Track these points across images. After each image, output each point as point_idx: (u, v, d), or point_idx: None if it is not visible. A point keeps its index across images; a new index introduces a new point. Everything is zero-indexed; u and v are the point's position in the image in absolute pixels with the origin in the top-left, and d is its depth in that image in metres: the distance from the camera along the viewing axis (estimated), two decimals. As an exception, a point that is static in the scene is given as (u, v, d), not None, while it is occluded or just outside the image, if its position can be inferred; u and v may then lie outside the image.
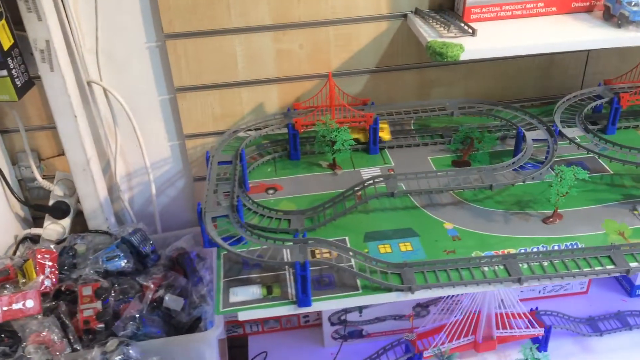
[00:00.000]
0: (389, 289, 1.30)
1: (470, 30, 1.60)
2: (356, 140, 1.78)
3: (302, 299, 1.26)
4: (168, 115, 1.98)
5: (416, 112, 1.84)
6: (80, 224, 2.00)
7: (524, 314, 1.94)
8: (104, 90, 1.84)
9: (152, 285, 1.68)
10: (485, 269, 1.35)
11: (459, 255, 1.40)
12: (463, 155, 1.77)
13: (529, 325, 1.93)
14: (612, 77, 1.95)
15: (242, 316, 1.27)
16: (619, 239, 1.42)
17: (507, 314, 1.94)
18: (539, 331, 1.94)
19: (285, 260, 1.35)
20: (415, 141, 1.87)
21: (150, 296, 1.66)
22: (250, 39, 1.85)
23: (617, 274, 1.33)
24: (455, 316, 1.88)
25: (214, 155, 1.66)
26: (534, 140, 1.65)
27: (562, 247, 1.40)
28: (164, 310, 1.66)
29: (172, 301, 1.66)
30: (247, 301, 1.30)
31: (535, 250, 1.40)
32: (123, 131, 1.94)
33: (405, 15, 1.85)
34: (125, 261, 1.74)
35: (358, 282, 1.34)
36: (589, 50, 2.03)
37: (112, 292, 1.63)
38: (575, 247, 1.40)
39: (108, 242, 1.87)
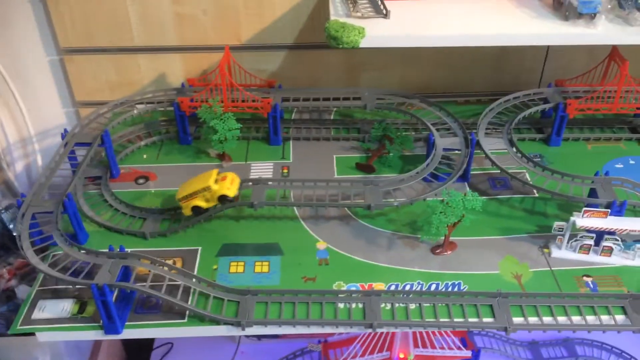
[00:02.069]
0: (216, 322, 1.09)
1: (384, 11, 1.32)
2: (197, 208, 1.28)
3: (108, 326, 1.06)
4: (60, 78, 1.76)
5: (326, 99, 1.58)
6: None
7: (450, 331, 1.72)
8: (-26, 46, 1.62)
9: (6, 273, 1.52)
10: (341, 305, 1.13)
11: (317, 285, 1.18)
12: (370, 158, 1.51)
13: (457, 345, 1.72)
14: (577, 74, 1.65)
15: (41, 337, 1.08)
16: (512, 285, 1.17)
17: (432, 331, 1.73)
18: (465, 354, 1.72)
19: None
20: (326, 134, 1.62)
21: (1, 286, 1.50)
22: (144, -1, 1.60)
23: (494, 330, 1.09)
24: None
25: (73, 134, 1.44)
26: (446, 150, 1.39)
27: (441, 288, 1.16)
28: (19, 302, 1.50)
29: (24, 293, 1.49)
30: (52, 319, 1.11)
31: (407, 288, 1.16)
32: (4, 94, 1.73)
33: (327, -15, 1.57)
34: (-15, 241, 1.58)
35: (188, 307, 1.14)
36: (549, 42, 1.72)
37: (-46, 278, 1.47)
38: (455, 289, 1.16)
39: (-15, 214, 1.70)
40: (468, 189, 1.20)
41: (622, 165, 1.49)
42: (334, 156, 1.56)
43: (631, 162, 1.50)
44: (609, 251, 1.19)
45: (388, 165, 1.50)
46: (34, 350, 1.37)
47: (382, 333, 1.67)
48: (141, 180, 1.48)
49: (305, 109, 1.65)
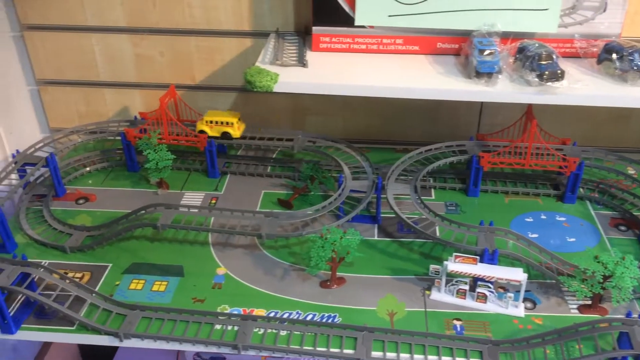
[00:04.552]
0: (97, 332, 1.19)
1: (303, 61, 1.45)
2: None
3: (2, 325, 1.18)
4: (38, 106, 1.95)
5: (262, 138, 1.70)
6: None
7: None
8: (-41, 73, 1.83)
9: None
10: (217, 327, 1.21)
11: (204, 307, 1.27)
12: (292, 195, 1.61)
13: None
14: (514, 130, 1.72)
15: (-53, 330, 1.21)
16: (383, 321, 1.22)
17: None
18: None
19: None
20: (263, 171, 1.73)
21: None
22: (107, 39, 1.78)
23: (342, 361, 1.15)
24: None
25: (24, 155, 1.60)
26: (353, 191, 1.47)
27: (317, 319, 1.23)
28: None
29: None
30: (-40, 315, 1.24)
31: (285, 317, 1.23)
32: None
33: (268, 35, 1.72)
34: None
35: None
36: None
37: None
38: (330, 321, 1.22)
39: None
40: (353, 228, 1.28)
41: (532, 219, 1.53)
42: (263, 191, 1.66)
43: (542, 217, 1.54)
44: (483, 297, 1.23)
45: (309, 202, 1.59)
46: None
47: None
48: (81, 201, 1.62)
49: (257, 146, 1.77)
